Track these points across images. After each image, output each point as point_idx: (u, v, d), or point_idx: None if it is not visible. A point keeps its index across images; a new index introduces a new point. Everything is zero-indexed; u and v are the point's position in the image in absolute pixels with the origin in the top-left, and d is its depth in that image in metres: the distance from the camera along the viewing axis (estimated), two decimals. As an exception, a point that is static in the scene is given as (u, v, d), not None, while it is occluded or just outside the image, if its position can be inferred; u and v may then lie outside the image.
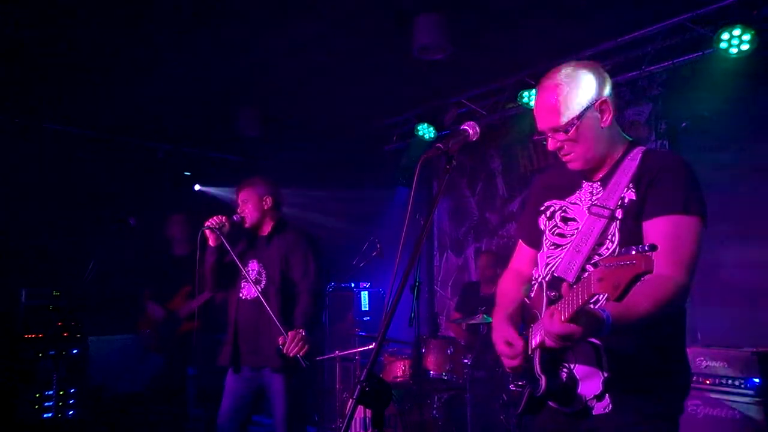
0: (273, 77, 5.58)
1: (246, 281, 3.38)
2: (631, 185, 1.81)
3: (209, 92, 5.87)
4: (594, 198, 1.89)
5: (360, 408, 1.49)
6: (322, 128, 7.01)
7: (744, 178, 4.52)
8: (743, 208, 4.52)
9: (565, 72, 1.86)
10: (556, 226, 1.97)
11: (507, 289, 2.13)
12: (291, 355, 3.06)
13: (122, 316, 5.88)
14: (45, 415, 4.91)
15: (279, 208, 3.57)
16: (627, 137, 1.94)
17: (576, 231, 1.88)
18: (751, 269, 4.51)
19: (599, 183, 1.90)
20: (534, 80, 5.35)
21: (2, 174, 5.71)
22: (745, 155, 4.53)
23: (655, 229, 1.72)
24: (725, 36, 4.29)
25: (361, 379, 1.50)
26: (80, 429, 5.12)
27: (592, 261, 1.79)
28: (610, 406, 1.72)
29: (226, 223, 3.32)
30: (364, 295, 6.57)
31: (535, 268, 2.03)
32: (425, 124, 6.43)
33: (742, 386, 3.42)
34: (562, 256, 1.88)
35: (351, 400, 1.49)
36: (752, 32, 4.22)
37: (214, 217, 3.31)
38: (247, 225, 3.46)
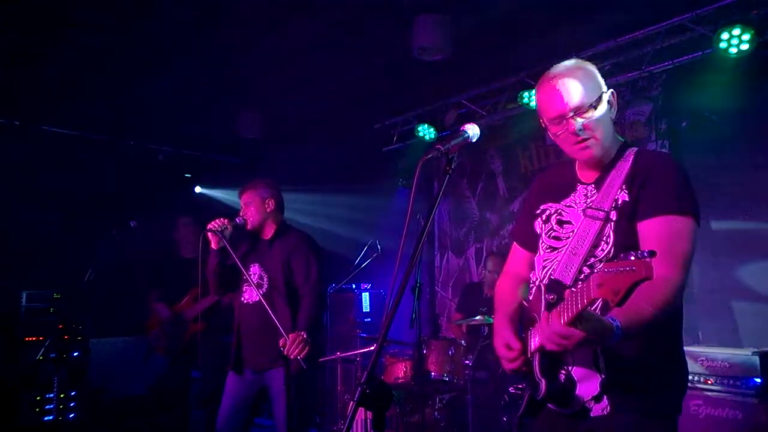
0: (273, 78, 5.58)
1: (248, 285, 3.38)
2: (624, 186, 1.82)
3: (209, 94, 5.87)
4: (589, 200, 1.90)
5: (361, 410, 1.49)
6: (322, 129, 7.01)
7: (745, 178, 4.51)
8: (745, 208, 4.52)
9: (573, 62, 1.89)
10: (552, 229, 1.98)
11: (505, 293, 2.14)
12: (292, 356, 3.06)
13: (123, 318, 5.88)
14: (46, 418, 4.92)
15: (281, 211, 3.57)
16: (620, 138, 1.95)
17: (572, 234, 1.89)
18: (753, 268, 4.51)
19: (593, 185, 1.92)
20: (534, 80, 5.34)
21: (2, 175, 5.71)
22: (746, 155, 4.52)
23: (650, 229, 1.73)
24: (725, 36, 4.29)
25: (362, 381, 1.49)
26: (81, 431, 5.12)
27: (589, 263, 1.80)
28: (609, 407, 1.73)
29: (229, 226, 3.32)
30: (365, 296, 6.56)
31: (533, 272, 2.04)
32: (425, 125, 6.43)
33: (744, 386, 3.41)
34: (558, 258, 1.89)
35: (352, 402, 1.48)
36: (752, 32, 4.22)
37: (217, 220, 3.31)
38: (249, 228, 3.46)
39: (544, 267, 1.95)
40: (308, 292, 3.35)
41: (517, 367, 1.85)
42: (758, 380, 3.37)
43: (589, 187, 1.92)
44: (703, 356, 3.61)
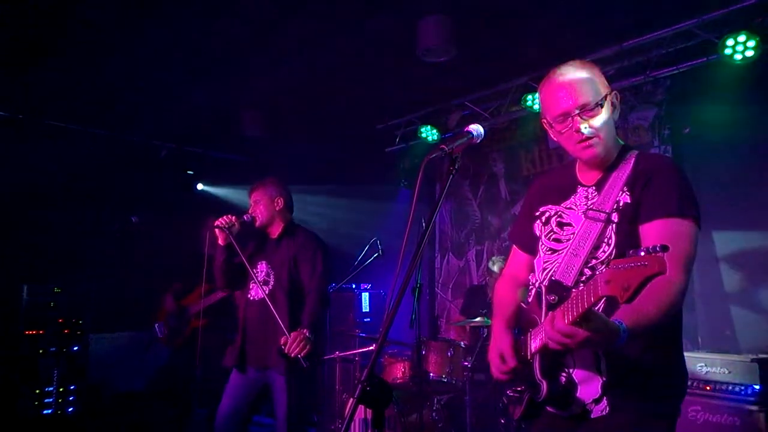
0: (277, 77, 5.59)
1: (254, 282, 3.40)
2: (625, 188, 1.82)
3: (213, 91, 5.88)
4: (589, 202, 1.90)
5: (360, 409, 1.49)
6: (326, 129, 7.02)
7: (748, 184, 4.51)
8: (747, 213, 4.51)
9: (578, 62, 1.90)
10: (552, 231, 1.98)
11: (504, 295, 2.14)
12: (292, 355, 3.07)
13: (123, 313, 5.89)
14: (45, 412, 4.93)
15: (290, 210, 3.59)
16: (620, 141, 1.95)
17: (572, 235, 1.89)
18: (753, 275, 4.50)
19: (594, 187, 1.92)
20: (537, 84, 5.34)
21: (3, 171, 5.73)
22: (749, 161, 4.52)
23: (652, 232, 1.73)
24: (730, 42, 4.29)
25: (362, 379, 1.50)
26: (80, 426, 5.13)
27: (590, 264, 1.80)
28: (608, 408, 1.73)
29: (236, 223, 3.33)
30: (365, 296, 6.56)
31: (532, 274, 2.04)
32: (428, 126, 6.43)
33: (743, 393, 3.41)
34: (559, 260, 1.89)
35: (351, 400, 1.49)
36: (757, 39, 4.22)
37: (224, 217, 3.33)
38: (257, 225, 3.48)
39: (544, 269, 1.95)
40: (313, 290, 3.36)
41: (504, 380, 1.88)
42: (757, 387, 3.37)
43: (590, 189, 1.92)
44: (702, 362, 3.61)
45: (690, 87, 4.88)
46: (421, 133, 6.45)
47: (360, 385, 1.49)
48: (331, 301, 5.55)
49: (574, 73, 1.85)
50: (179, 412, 5.15)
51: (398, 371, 4.78)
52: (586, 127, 1.81)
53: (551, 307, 1.73)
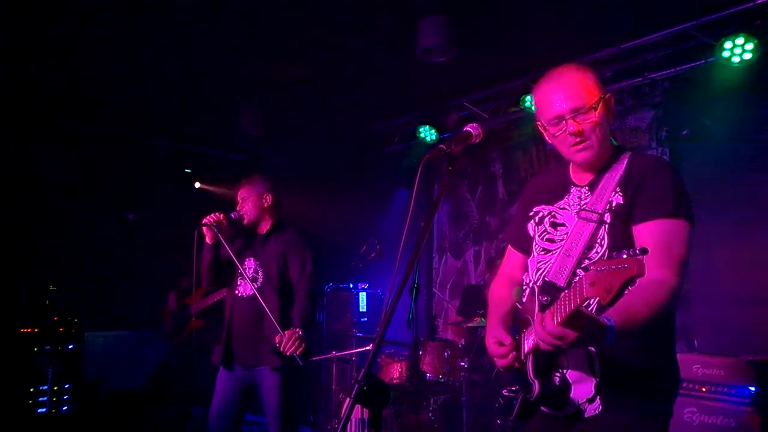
0: (275, 76, 5.58)
1: (242, 279, 3.38)
2: (618, 189, 1.82)
3: (212, 90, 5.87)
4: (582, 202, 1.90)
5: (357, 409, 1.48)
6: (324, 128, 7.02)
7: (745, 185, 4.52)
8: (744, 215, 4.52)
9: (573, 65, 1.90)
10: (545, 231, 1.98)
11: (499, 295, 2.14)
12: (288, 353, 3.07)
13: (119, 312, 5.88)
14: (39, 410, 4.90)
15: (278, 207, 3.57)
16: (614, 142, 1.95)
17: (566, 236, 1.89)
18: (750, 277, 4.51)
19: (587, 188, 1.92)
20: (536, 85, 5.35)
21: (1, 170, 5.71)
22: (746, 162, 4.53)
23: (646, 233, 1.73)
24: (728, 45, 4.31)
25: (359, 378, 1.49)
26: (74, 424, 5.11)
27: (583, 265, 1.80)
28: (601, 407, 1.74)
29: (224, 221, 3.32)
30: (363, 296, 6.56)
31: (526, 274, 2.04)
32: (427, 127, 6.43)
33: (738, 394, 3.41)
34: (552, 260, 1.89)
35: (348, 399, 1.48)
36: (755, 41, 4.23)
37: (212, 215, 3.31)
38: (245, 222, 3.46)
39: (538, 269, 1.95)
40: (303, 287, 3.36)
41: (508, 363, 1.85)
42: (752, 388, 3.38)
43: (583, 190, 1.93)
44: (698, 363, 3.61)
45: (688, 89, 4.89)
46: (419, 133, 6.46)
47: (357, 385, 1.49)
48: (327, 301, 5.55)
49: (568, 76, 1.85)
50: (176, 411, 5.14)
51: (395, 371, 4.78)
52: (579, 131, 1.82)
53: (544, 307, 1.74)
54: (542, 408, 1.85)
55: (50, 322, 5.10)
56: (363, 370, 1.51)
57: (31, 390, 4.88)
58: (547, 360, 1.78)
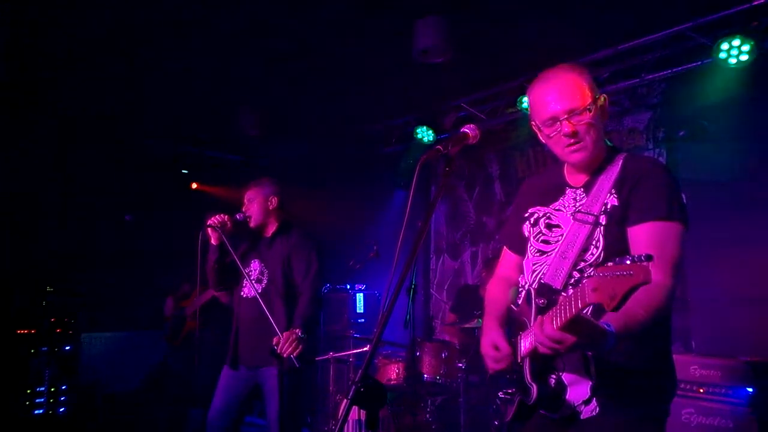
0: (273, 77, 5.58)
1: (248, 280, 3.39)
2: (613, 191, 1.83)
3: (209, 91, 5.86)
4: (578, 204, 1.90)
5: (353, 410, 1.48)
6: (322, 129, 7.01)
7: (742, 187, 4.53)
8: (741, 216, 4.53)
9: (568, 66, 1.89)
10: (540, 232, 1.98)
11: (495, 296, 2.14)
12: (285, 355, 3.06)
13: (116, 313, 5.86)
14: (36, 412, 4.88)
15: (284, 209, 3.58)
16: (608, 143, 1.95)
17: (561, 237, 1.89)
18: (748, 277, 4.52)
19: (582, 189, 1.92)
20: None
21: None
22: (743, 164, 4.54)
23: (640, 235, 1.74)
24: (725, 46, 4.32)
25: (356, 380, 1.49)
26: (71, 426, 5.10)
27: (578, 267, 1.80)
28: (597, 408, 1.74)
29: (228, 222, 3.32)
30: (360, 297, 6.55)
31: (521, 275, 2.03)
32: (424, 127, 6.43)
33: (735, 395, 3.42)
34: (548, 262, 1.89)
35: (345, 401, 1.48)
36: (752, 43, 4.24)
37: (216, 216, 3.31)
38: (252, 224, 3.47)
39: (533, 271, 1.95)
40: (306, 289, 3.36)
41: (502, 368, 1.85)
42: (750, 389, 3.38)
43: (578, 191, 1.93)
44: (696, 364, 3.62)
45: (685, 90, 4.90)
46: (417, 134, 6.46)
47: (354, 386, 1.49)
48: (324, 302, 5.51)
49: (563, 76, 1.85)
50: (170, 412, 5.13)
51: (392, 372, 4.77)
52: (574, 132, 1.82)
53: (540, 310, 1.74)
54: (539, 411, 1.84)
55: (47, 323, 5.08)
56: (360, 371, 1.51)
57: (28, 391, 4.87)
58: (543, 363, 1.78)
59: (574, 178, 1.96)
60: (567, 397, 1.77)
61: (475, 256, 6.76)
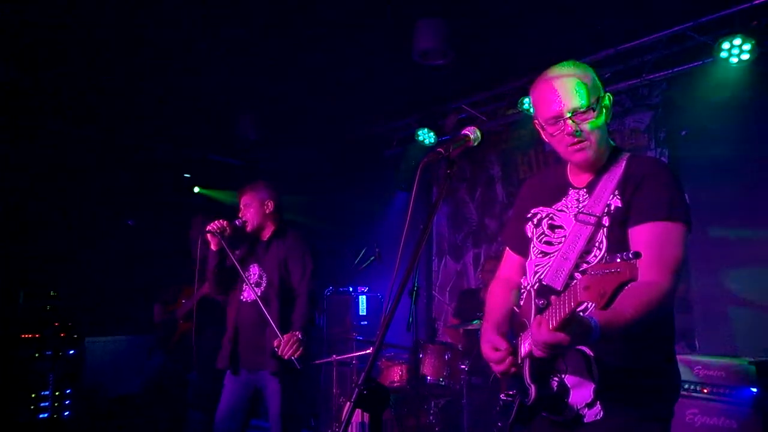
0: (274, 80, 5.59)
1: (246, 284, 3.40)
2: (616, 192, 1.81)
3: (209, 94, 5.88)
4: (580, 205, 1.89)
5: (357, 412, 1.48)
6: (322, 132, 7.02)
7: (744, 186, 4.53)
8: (744, 216, 4.53)
9: (572, 64, 1.87)
10: (543, 233, 1.96)
11: (496, 298, 2.13)
12: (286, 357, 3.08)
13: (119, 317, 5.87)
14: (41, 416, 4.89)
15: (280, 213, 3.59)
16: (612, 143, 1.94)
17: (563, 238, 1.87)
18: (750, 277, 4.51)
19: (585, 190, 1.91)
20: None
21: (1, 175, 5.71)
22: (745, 164, 4.54)
23: (641, 235, 1.73)
24: (726, 45, 4.31)
25: (359, 382, 1.49)
26: (76, 429, 5.10)
27: (580, 268, 1.79)
28: (602, 413, 1.72)
29: (228, 228, 3.34)
30: (362, 299, 6.55)
31: (524, 277, 2.02)
32: (425, 129, 6.43)
33: (739, 395, 3.41)
34: (550, 263, 1.88)
35: (349, 403, 1.48)
36: (753, 42, 4.24)
37: (216, 222, 3.33)
38: (249, 229, 3.48)
39: (535, 272, 1.94)
40: (304, 291, 3.38)
41: (505, 368, 1.83)
42: (754, 390, 3.37)
43: (581, 192, 1.91)
44: (700, 365, 3.61)
45: (686, 90, 4.89)
46: (418, 136, 6.46)
47: (357, 389, 1.49)
48: (326, 304, 5.52)
49: (567, 74, 1.83)
50: (173, 415, 5.13)
51: (395, 374, 4.78)
52: (578, 131, 1.80)
53: (539, 311, 1.73)
54: (542, 413, 1.84)
55: (51, 327, 5.10)
56: (363, 374, 1.51)
57: (33, 396, 4.88)
58: (545, 364, 1.77)
59: (577, 179, 1.95)
60: (570, 400, 1.76)
61: (478, 257, 6.76)
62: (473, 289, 6.01)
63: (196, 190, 7.68)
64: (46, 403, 4.91)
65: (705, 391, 3.53)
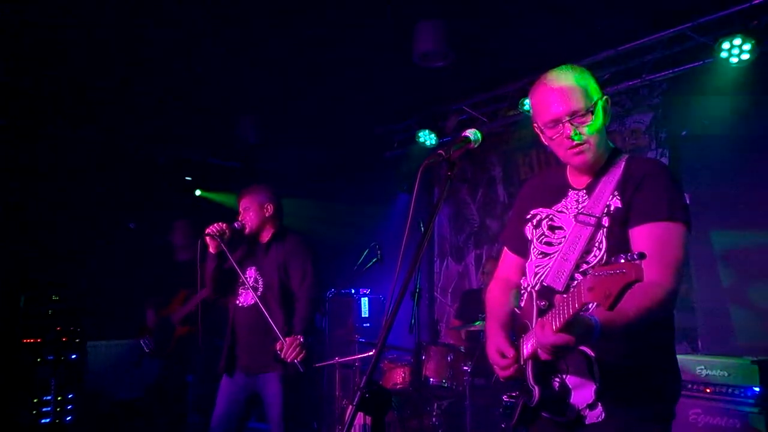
0: (274, 83, 5.60)
1: (244, 288, 3.40)
2: (616, 193, 1.82)
3: (210, 97, 5.88)
4: (580, 206, 1.90)
5: (360, 415, 1.48)
6: (323, 134, 7.03)
7: (745, 185, 4.52)
8: (745, 214, 4.52)
9: (570, 67, 1.89)
10: (543, 234, 1.97)
11: (497, 298, 2.13)
12: (289, 360, 3.08)
13: (121, 321, 5.87)
14: (43, 421, 4.90)
15: (280, 216, 3.59)
16: (611, 144, 1.95)
17: (563, 239, 1.88)
18: (752, 277, 4.51)
19: (584, 191, 1.91)
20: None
21: (2, 177, 5.72)
22: (746, 163, 4.53)
23: (641, 236, 1.73)
24: (726, 45, 4.31)
25: (361, 385, 1.49)
26: (78, 434, 5.11)
27: (581, 269, 1.80)
28: (603, 414, 1.73)
29: (227, 231, 3.33)
30: (364, 301, 6.55)
31: (524, 278, 2.03)
32: (426, 131, 6.43)
33: (742, 395, 3.40)
34: (550, 264, 1.89)
35: (351, 406, 1.48)
36: (753, 42, 4.24)
37: (215, 225, 3.32)
38: (247, 232, 3.47)
39: (536, 273, 1.94)
40: (303, 295, 3.37)
41: (510, 374, 1.84)
42: (757, 389, 3.37)
43: (581, 193, 1.92)
44: (702, 364, 3.60)
45: (686, 90, 4.89)
46: (419, 137, 6.46)
47: (359, 392, 1.49)
48: (328, 306, 5.52)
49: (565, 78, 1.84)
50: (172, 419, 5.13)
51: (398, 376, 4.77)
52: (577, 134, 1.81)
53: (541, 312, 1.74)
54: (543, 414, 1.84)
55: (53, 332, 5.10)
56: (365, 376, 1.51)
57: (35, 400, 4.88)
58: (547, 365, 1.77)
59: (577, 180, 1.96)
60: (571, 400, 1.77)
61: (480, 258, 6.75)
62: (475, 290, 6.00)
63: (198, 193, 7.69)
64: (49, 408, 4.91)
65: (708, 390, 3.52)
